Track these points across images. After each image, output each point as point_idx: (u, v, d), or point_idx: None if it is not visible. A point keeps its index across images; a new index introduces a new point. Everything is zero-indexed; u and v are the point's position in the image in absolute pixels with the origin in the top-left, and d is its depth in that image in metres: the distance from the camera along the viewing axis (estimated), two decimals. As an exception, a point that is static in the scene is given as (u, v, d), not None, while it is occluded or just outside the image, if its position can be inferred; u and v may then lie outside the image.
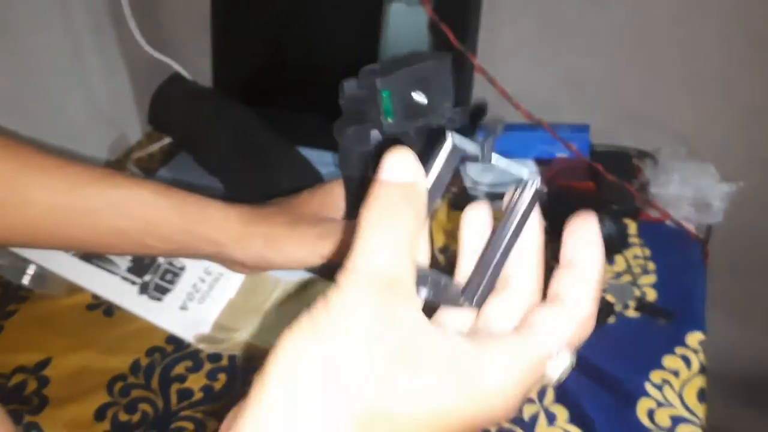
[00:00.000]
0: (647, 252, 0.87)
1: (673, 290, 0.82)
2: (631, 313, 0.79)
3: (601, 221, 0.88)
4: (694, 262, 0.87)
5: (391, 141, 0.50)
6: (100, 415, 0.72)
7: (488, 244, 0.30)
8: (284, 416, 0.24)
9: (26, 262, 0.83)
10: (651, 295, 0.82)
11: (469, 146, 0.29)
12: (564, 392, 0.71)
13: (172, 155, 1.11)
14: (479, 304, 0.30)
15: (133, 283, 0.78)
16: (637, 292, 0.82)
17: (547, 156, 1.02)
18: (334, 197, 0.61)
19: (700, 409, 0.69)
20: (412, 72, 0.52)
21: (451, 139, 0.28)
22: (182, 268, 0.77)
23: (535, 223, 0.30)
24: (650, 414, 0.68)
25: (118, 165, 1.13)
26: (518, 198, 0.30)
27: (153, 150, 1.15)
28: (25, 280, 0.84)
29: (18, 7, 0.93)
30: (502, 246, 0.30)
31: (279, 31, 1.09)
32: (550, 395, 0.71)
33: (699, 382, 0.71)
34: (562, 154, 1.00)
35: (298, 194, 0.64)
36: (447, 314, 0.32)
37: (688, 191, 0.90)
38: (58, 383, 0.76)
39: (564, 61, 1.02)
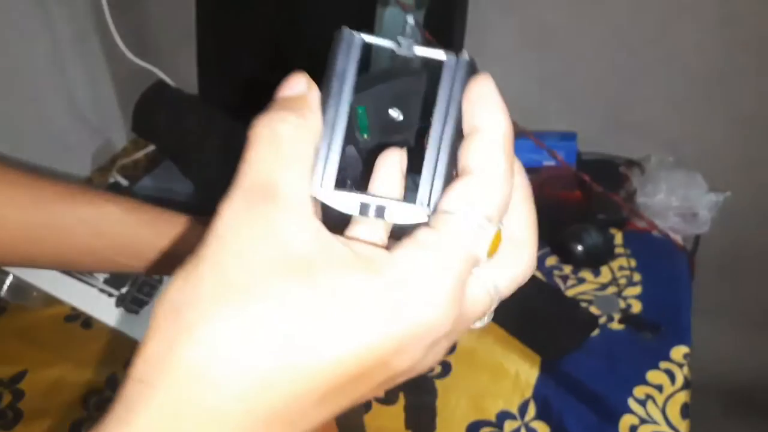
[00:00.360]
0: (633, 263, 0.86)
1: (658, 302, 0.81)
2: (616, 325, 0.78)
3: (588, 231, 0.87)
4: (680, 274, 0.86)
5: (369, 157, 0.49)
6: (74, 430, 0.71)
7: (429, 139, 0.27)
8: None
9: (4, 273, 0.82)
10: (636, 307, 0.81)
11: (375, 39, 0.27)
12: (546, 409, 0.70)
13: (157, 162, 1.10)
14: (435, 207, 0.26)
15: (110, 295, 0.77)
16: (622, 304, 0.81)
17: (534, 164, 1.01)
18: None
19: (683, 426, 0.67)
20: (388, 88, 0.51)
21: (343, 32, 0.27)
22: (160, 281, 0.77)
23: (493, 105, 0.26)
24: (633, 431, 0.67)
25: (102, 172, 1.12)
26: (449, 82, 0.27)
27: (138, 157, 1.14)
28: (3, 292, 0.83)
29: (-2, 14, 0.92)
30: (448, 139, 0.26)
31: (266, 38, 1.08)
32: (531, 411, 0.70)
33: (683, 397, 0.70)
34: (549, 162, 0.99)
35: None
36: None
37: (675, 200, 0.89)
38: (33, 397, 0.74)
39: (551, 67, 1.01)
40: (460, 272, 0.24)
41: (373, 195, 0.27)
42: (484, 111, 0.26)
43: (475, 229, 0.24)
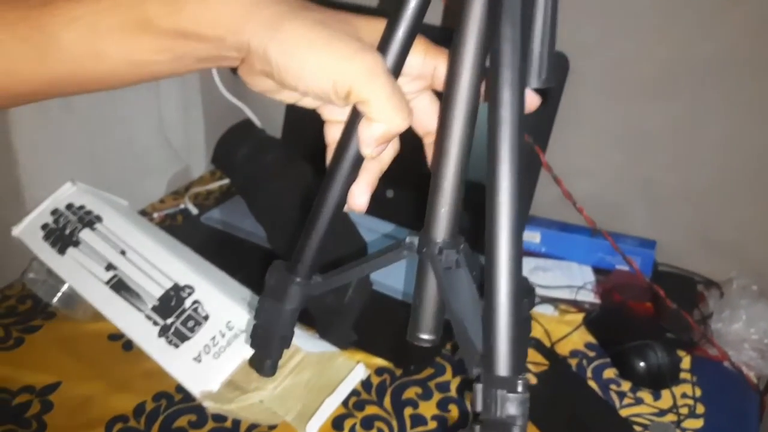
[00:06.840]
0: (698, 392, 0.80)
1: (720, 441, 0.75)
2: (669, 458, 0.72)
3: (653, 349, 0.81)
4: (749, 413, 0.79)
5: None
6: (91, 454, 0.70)
7: None
8: None
9: (60, 281, 0.83)
10: (694, 442, 0.74)
11: None
12: None
13: (229, 196, 1.11)
14: None
15: (155, 323, 0.76)
16: (679, 435, 0.75)
17: (606, 266, 0.96)
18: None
19: None
20: None
21: None
22: (206, 317, 0.76)
23: None
24: None
25: (175, 196, 1.14)
26: None
27: (212, 187, 1.16)
28: (55, 299, 0.84)
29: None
30: None
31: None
32: None
33: None
34: (622, 266, 0.95)
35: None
36: None
37: (754, 333, 0.83)
38: (60, 411, 0.74)
39: (640, 170, 0.97)
40: None
41: None
42: None
43: None
